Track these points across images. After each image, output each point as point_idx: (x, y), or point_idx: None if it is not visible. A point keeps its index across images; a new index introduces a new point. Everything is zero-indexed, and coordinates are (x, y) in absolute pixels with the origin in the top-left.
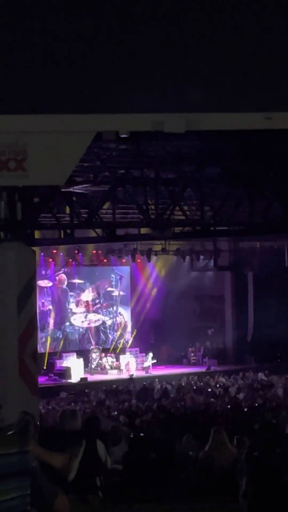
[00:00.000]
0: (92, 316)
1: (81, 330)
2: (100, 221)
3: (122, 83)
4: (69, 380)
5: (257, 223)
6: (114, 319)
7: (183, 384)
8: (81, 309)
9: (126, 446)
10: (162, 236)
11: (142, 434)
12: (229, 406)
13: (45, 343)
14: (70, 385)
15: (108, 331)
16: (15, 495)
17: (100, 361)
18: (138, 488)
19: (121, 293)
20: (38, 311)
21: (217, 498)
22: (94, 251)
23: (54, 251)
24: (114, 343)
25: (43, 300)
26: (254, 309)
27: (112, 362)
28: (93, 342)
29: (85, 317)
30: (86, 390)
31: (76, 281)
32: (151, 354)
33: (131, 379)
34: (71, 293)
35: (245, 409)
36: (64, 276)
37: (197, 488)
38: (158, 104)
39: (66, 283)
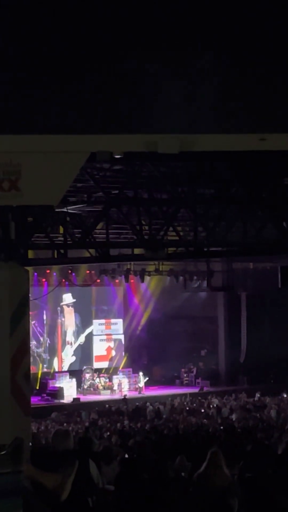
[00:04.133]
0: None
1: (74, 348)
2: (94, 241)
3: (116, 104)
4: (61, 401)
5: (251, 244)
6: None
7: (176, 405)
8: (73, 326)
9: (119, 466)
10: (155, 256)
11: (134, 455)
12: (221, 427)
13: (37, 363)
14: (63, 406)
15: None
16: None
17: (93, 382)
18: (130, 509)
19: (114, 313)
20: (31, 331)
21: None
22: (88, 271)
23: (48, 271)
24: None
25: (35, 321)
26: (247, 330)
27: (105, 382)
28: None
29: (78, 337)
30: (80, 411)
31: (69, 301)
32: (143, 374)
33: (124, 400)
34: (64, 313)
35: (238, 430)
36: (57, 295)
37: (190, 510)
38: (152, 125)
39: (59, 303)
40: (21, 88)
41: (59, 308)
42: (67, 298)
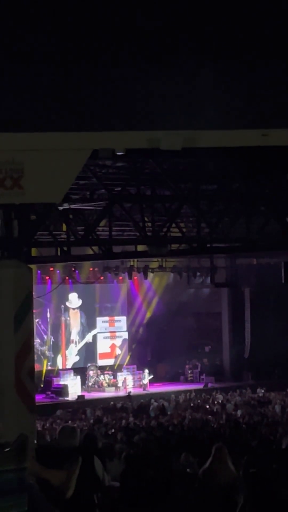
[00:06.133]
0: (89, 334)
1: (78, 347)
2: (97, 238)
3: (118, 101)
4: (66, 398)
5: (254, 239)
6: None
7: (181, 401)
8: (78, 326)
9: (124, 463)
10: (159, 253)
11: (139, 452)
12: (226, 423)
13: (42, 361)
14: (67, 403)
15: None
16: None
17: (97, 379)
18: (135, 506)
19: (118, 310)
20: (34, 329)
21: None
22: (91, 269)
23: (51, 269)
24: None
25: (39, 319)
26: (251, 326)
27: (109, 379)
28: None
29: (83, 336)
30: (85, 408)
31: (75, 303)
32: (148, 371)
33: (128, 397)
34: (70, 313)
35: (243, 426)
36: (61, 293)
37: (195, 505)
38: (155, 122)
39: (63, 301)
40: (24, 87)
41: (63, 306)
42: (73, 299)
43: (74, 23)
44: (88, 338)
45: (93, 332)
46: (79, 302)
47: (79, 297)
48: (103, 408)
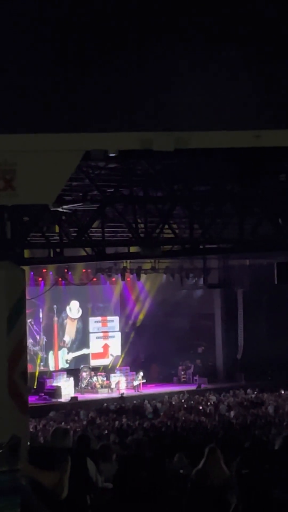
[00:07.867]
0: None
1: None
2: (90, 239)
3: (110, 102)
4: (59, 399)
5: (247, 240)
6: None
7: (174, 402)
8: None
9: (117, 464)
10: (151, 254)
11: (132, 453)
12: (220, 424)
13: (35, 362)
14: (61, 404)
15: None
16: None
17: (90, 380)
18: (128, 507)
19: (111, 310)
20: (27, 330)
21: None
22: (84, 270)
23: (44, 270)
24: None
25: (31, 319)
26: (244, 327)
27: (103, 381)
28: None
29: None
30: (78, 410)
31: (75, 311)
32: (141, 373)
33: (121, 398)
34: (61, 312)
35: (236, 427)
36: (54, 294)
37: (188, 506)
38: (147, 123)
39: (56, 302)
40: (16, 88)
41: (55, 306)
42: (74, 308)
43: (67, 25)
44: (83, 352)
45: (86, 351)
46: (79, 313)
47: (71, 297)
48: (96, 410)
